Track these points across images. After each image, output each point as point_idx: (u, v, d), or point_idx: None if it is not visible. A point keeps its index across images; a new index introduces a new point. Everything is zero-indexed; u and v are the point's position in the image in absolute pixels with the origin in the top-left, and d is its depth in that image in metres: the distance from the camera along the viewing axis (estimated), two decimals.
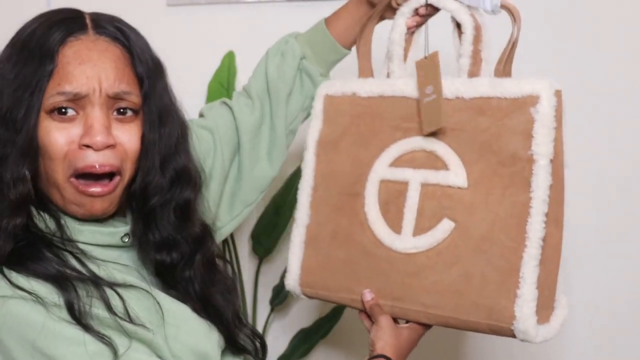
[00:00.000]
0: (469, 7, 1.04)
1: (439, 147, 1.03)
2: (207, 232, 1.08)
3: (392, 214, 1.06)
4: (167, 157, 1.01)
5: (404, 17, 1.11)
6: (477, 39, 1.03)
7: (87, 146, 0.93)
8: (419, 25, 1.14)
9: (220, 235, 1.22)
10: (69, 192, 0.95)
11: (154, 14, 1.75)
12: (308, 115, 1.26)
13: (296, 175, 1.67)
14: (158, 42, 1.71)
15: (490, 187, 0.99)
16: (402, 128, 1.07)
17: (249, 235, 1.73)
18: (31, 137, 0.92)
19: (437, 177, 1.03)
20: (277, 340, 1.74)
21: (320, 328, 1.72)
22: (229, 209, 1.24)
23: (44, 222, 0.96)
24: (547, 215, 0.96)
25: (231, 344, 1.06)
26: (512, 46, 1.02)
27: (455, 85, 1.03)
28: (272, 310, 1.74)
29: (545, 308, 1.00)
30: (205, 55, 1.74)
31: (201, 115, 1.27)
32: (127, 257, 1.02)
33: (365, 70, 1.18)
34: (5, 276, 0.91)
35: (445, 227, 1.02)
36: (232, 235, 1.70)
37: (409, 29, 1.12)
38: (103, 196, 0.95)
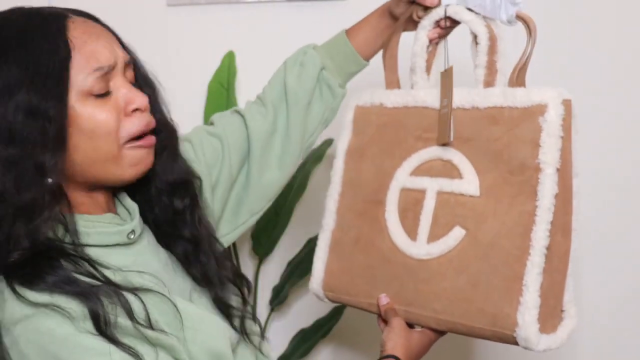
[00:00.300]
0: (485, 18, 1.06)
1: (454, 156, 1.06)
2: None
3: (410, 221, 1.09)
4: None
5: (425, 30, 1.13)
6: (492, 49, 1.05)
7: (138, 109, 0.96)
8: (441, 37, 1.15)
9: (225, 242, 1.22)
10: (128, 157, 0.96)
11: (154, 14, 1.74)
12: (325, 127, 1.27)
13: (296, 176, 1.67)
14: (158, 42, 1.71)
15: (500, 195, 1.01)
16: (423, 138, 1.10)
17: (249, 235, 1.74)
18: (64, 126, 0.91)
19: (452, 185, 1.05)
20: (277, 340, 1.74)
21: (320, 328, 1.72)
22: (234, 217, 1.23)
23: (52, 228, 0.93)
24: (552, 224, 0.97)
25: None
26: (526, 56, 1.03)
27: (471, 95, 1.05)
28: (272, 310, 1.74)
29: (551, 317, 1.00)
30: (205, 55, 1.73)
31: (211, 123, 1.26)
32: (132, 254, 1.00)
33: (392, 82, 1.20)
34: (21, 296, 0.88)
35: (456, 234, 1.04)
36: None
37: (431, 41, 1.14)
38: (153, 147, 1.00)
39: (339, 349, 1.78)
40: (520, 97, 1.01)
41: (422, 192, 1.08)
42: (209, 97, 1.70)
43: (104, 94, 0.94)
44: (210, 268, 1.07)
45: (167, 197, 1.07)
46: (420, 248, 1.07)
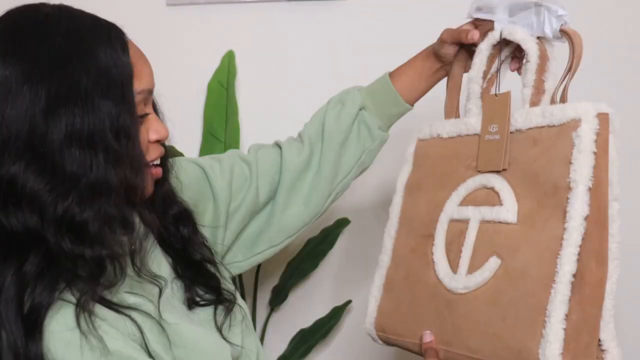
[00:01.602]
0: (539, 37, 1.01)
1: (497, 182, 1.00)
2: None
3: (454, 254, 1.03)
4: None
5: (481, 54, 1.08)
6: (541, 68, 1.00)
7: (158, 141, 0.97)
8: (515, 67, 1.09)
9: (237, 269, 1.20)
10: (145, 180, 0.94)
11: (153, 14, 1.71)
12: (362, 172, 1.24)
13: None
14: (157, 42, 1.71)
15: (534, 220, 0.94)
16: (472, 166, 1.05)
17: None
18: (139, 145, 0.91)
19: (492, 213, 0.99)
20: (277, 341, 1.74)
21: (320, 328, 1.71)
22: (251, 245, 1.20)
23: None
24: (583, 249, 0.89)
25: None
26: (567, 72, 0.97)
27: (515, 117, 1.00)
28: (271, 310, 1.71)
29: (584, 356, 0.89)
30: (205, 55, 1.73)
31: (248, 150, 1.25)
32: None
33: (450, 111, 1.16)
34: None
35: (492, 265, 0.97)
36: None
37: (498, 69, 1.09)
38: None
39: (338, 349, 1.77)
40: (556, 114, 0.94)
41: (466, 222, 1.02)
42: (208, 97, 1.68)
43: (142, 117, 0.94)
44: (213, 284, 1.06)
45: (173, 225, 1.06)
46: (459, 281, 1.00)
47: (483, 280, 0.97)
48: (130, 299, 0.92)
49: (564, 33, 0.98)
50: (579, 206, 0.89)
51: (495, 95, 1.05)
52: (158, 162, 1.00)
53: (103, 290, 0.88)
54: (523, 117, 0.99)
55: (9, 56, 0.86)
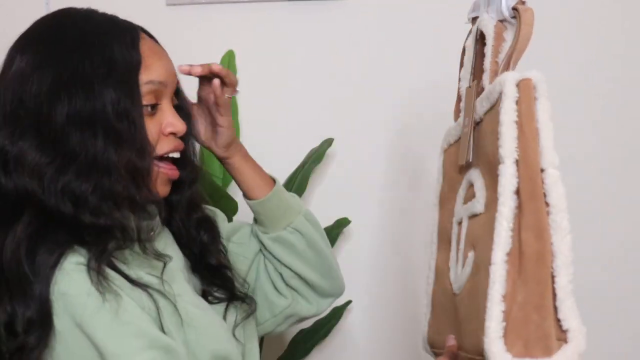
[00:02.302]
0: (502, 21, 0.96)
1: (474, 176, 0.96)
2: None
3: (458, 253, 0.99)
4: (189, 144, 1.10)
5: (468, 51, 1.04)
6: (495, 49, 0.95)
7: (172, 133, 1.01)
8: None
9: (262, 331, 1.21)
10: (154, 173, 0.99)
11: (153, 14, 1.70)
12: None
13: (295, 176, 1.67)
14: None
15: (490, 206, 0.89)
16: (466, 166, 1.00)
17: None
18: (145, 131, 0.96)
19: (472, 207, 0.95)
20: (277, 341, 1.74)
21: (320, 328, 1.70)
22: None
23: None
24: (518, 224, 0.83)
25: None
26: (511, 51, 0.92)
27: (476, 107, 0.95)
28: None
29: (538, 337, 0.81)
30: (205, 55, 1.73)
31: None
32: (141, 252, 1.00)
33: (456, 113, 1.10)
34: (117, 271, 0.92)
35: (470, 259, 0.93)
36: None
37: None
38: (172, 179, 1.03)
39: (339, 349, 1.77)
40: (492, 94, 0.89)
41: (461, 223, 0.99)
42: None
43: (153, 109, 0.99)
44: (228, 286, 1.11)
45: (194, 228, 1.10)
46: (457, 282, 0.97)
47: (466, 276, 0.94)
48: (146, 278, 0.95)
49: (515, 10, 0.93)
50: (505, 180, 0.84)
51: (469, 87, 1.02)
52: (176, 155, 1.03)
53: (113, 253, 0.93)
54: (479, 103, 0.95)
55: (26, 51, 0.97)
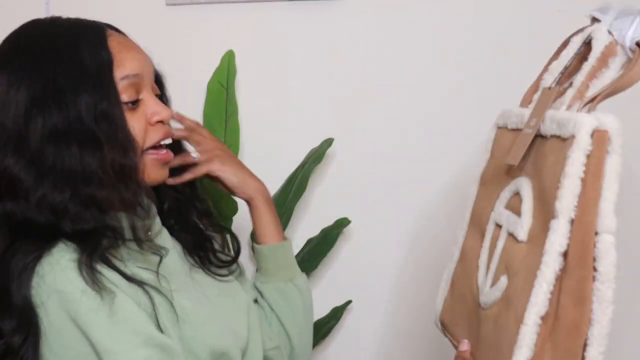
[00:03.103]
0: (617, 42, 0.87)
1: (525, 188, 0.89)
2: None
3: (489, 262, 0.95)
4: None
5: (571, 47, 0.96)
6: (593, 71, 0.86)
7: (161, 121, 1.02)
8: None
9: None
10: (147, 164, 1.01)
11: (152, 14, 1.69)
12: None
13: (295, 176, 1.67)
14: (157, 41, 1.71)
15: (535, 244, 0.84)
16: (520, 167, 0.94)
17: (248, 235, 1.73)
18: (127, 129, 0.97)
19: (514, 226, 0.89)
20: None
21: (320, 328, 1.70)
22: None
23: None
24: (561, 287, 0.79)
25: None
26: (615, 84, 0.83)
27: (546, 119, 0.88)
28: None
29: None
30: (204, 55, 1.72)
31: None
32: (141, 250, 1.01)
33: (525, 100, 1.03)
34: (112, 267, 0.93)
35: (502, 284, 0.89)
36: None
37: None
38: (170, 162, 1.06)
39: (339, 349, 1.77)
40: (564, 124, 0.82)
41: (500, 229, 0.94)
42: (208, 97, 1.66)
43: (134, 103, 0.99)
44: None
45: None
46: (483, 295, 0.93)
47: (494, 299, 0.90)
48: (143, 274, 0.96)
49: (638, 46, 0.84)
50: (555, 240, 0.78)
51: (549, 88, 0.94)
52: (168, 141, 1.05)
53: (106, 250, 0.94)
54: (549, 120, 0.87)
55: (0, 67, 0.97)
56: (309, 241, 1.68)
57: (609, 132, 0.78)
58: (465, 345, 0.97)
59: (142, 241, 0.97)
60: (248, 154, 1.73)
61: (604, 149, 0.78)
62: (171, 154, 1.05)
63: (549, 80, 0.97)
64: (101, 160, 0.94)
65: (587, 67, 0.87)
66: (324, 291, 1.75)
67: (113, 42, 0.99)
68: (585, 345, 0.78)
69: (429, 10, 1.67)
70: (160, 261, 0.98)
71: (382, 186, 1.72)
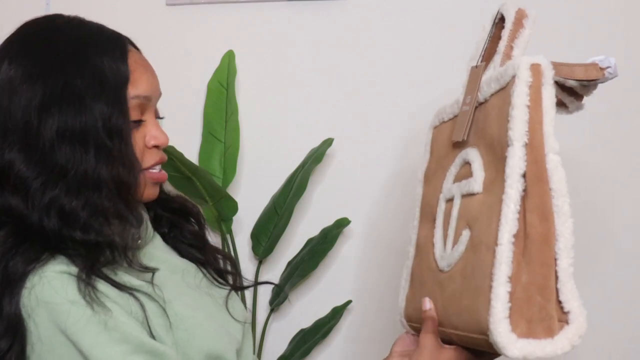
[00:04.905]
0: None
1: (472, 155, 0.96)
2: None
3: (446, 231, 1.00)
4: None
5: (486, 34, 1.04)
6: (513, 34, 0.96)
7: (156, 146, 1.01)
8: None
9: None
10: (144, 183, 1.00)
11: (153, 14, 1.70)
12: None
13: (295, 176, 1.67)
14: (157, 41, 1.71)
15: (492, 186, 0.90)
16: (459, 144, 1.02)
17: (248, 235, 1.74)
18: (131, 144, 0.97)
19: (467, 185, 0.96)
20: (277, 341, 1.73)
21: (320, 328, 1.69)
22: None
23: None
24: (524, 207, 0.84)
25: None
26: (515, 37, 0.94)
27: (482, 86, 0.96)
28: (271, 310, 1.68)
29: (541, 318, 0.83)
30: (204, 55, 1.72)
31: None
32: (146, 259, 1.01)
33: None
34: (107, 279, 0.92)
35: (464, 237, 0.94)
36: (232, 235, 1.69)
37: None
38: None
39: (338, 349, 1.77)
40: (503, 75, 0.90)
41: (452, 200, 1.00)
42: (208, 97, 1.67)
43: (138, 122, 0.98)
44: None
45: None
46: (445, 259, 0.97)
47: (459, 254, 0.94)
48: (134, 282, 0.95)
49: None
50: (514, 163, 0.85)
51: (476, 66, 1.01)
52: (159, 167, 1.03)
53: (102, 267, 0.92)
54: (486, 84, 0.95)
55: (15, 58, 0.95)
56: (309, 241, 1.68)
57: (542, 65, 0.87)
58: (428, 304, 0.98)
59: (132, 259, 0.96)
60: (248, 154, 1.74)
61: (540, 80, 0.86)
62: (166, 175, 1.05)
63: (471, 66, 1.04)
64: (111, 172, 0.93)
65: (506, 33, 0.96)
66: (324, 291, 1.75)
67: (132, 59, 0.99)
68: (555, 259, 0.84)
69: (428, 9, 1.68)
70: (153, 276, 0.98)
71: (382, 186, 1.72)
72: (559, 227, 0.84)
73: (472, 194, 0.94)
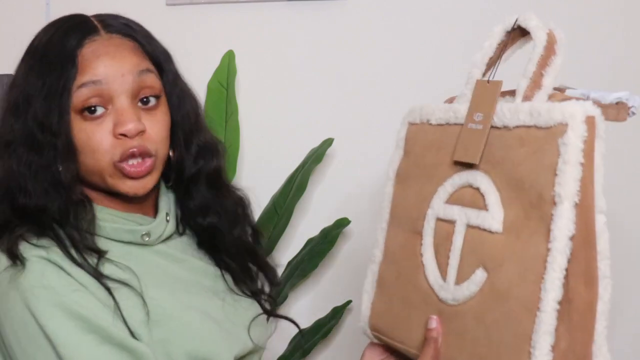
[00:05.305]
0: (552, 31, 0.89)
1: (483, 182, 0.90)
2: (241, 205, 1.14)
3: (442, 258, 0.93)
4: (190, 134, 1.06)
5: (492, 39, 0.97)
6: (543, 60, 0.88)
7: (123, 135, 0.95)
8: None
9: None
10: (114, 177, 0.97)
11: (153, 14, 1.69)
12: None
13: (295, 176, 1.67)
14: None
15: (519, 232, 0.84)
16: (459, 161, 0.94)
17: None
18: (70, 139, 0.95)
19: (478, 218, 0.89)
20: (277, 341, 1.74)
21: (320, 328, 1.69)
22: None
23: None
24: (569, 271, 0.79)
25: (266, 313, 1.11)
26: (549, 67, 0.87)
27: (503, 110, 0.89)
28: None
29: None
30: (204, 55, 1.72)
31: None
32: (145, 254, 1.01)
33: (452, 97, 1.03)
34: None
35: (478, 278, 0.87)
36: None
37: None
38: (144, 177, 0.98)
39: (338, 349, 1.77)
40: (543, 115, 0.83)
41: (452, 224, 0.93)
42: (208, 97, 1.65)
43: (95, 112, 0.95)
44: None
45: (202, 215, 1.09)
46: (448, 291, 0.91)
47: (470, 294, 0.89)
48: (121, 274, 0.96)
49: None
50: (564, 225, 0.79)
51: (488, 81, 0.94)
52: (138, 160, 0.98)
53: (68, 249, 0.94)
54: (511, 112, 0.88)
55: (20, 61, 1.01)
56: (309, 241, 1.68)
57: (596, 118, 0.80)
58: (434, 322, 0.92)
59: (79, 246, 0.96)
60: (248, 154, 1.74)
61: (594, 134, 0.80)
62: (143, 169, 0.98)
63: (473, 72, 0.97)
64: (41, 166, 0.96)
65: (535, 57, 0.89)
66: (324, 291, 1.75)
67: (88, 50, 0.97)
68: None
69: (428, 9, 1.68)
70: (99, 260, 0.97)
71: (382, 186, 1.72)
72: (600, 291, 0.80)
73: (485, 230, 0.88)
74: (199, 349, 0.97)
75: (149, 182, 0.99)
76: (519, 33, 0.94)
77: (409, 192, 1.02)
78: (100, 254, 0.95)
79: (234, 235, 1.11)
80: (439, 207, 0.95)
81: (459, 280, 0.90)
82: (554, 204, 0.79)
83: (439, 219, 0.95)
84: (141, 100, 0.99)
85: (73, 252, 0.94)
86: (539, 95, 0.88)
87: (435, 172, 0.98)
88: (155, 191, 1.05)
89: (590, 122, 0.80)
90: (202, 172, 1.08)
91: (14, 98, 0.98)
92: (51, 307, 0.89)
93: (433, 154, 0.99)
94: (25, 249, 0.92)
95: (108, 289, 0.93)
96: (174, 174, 1.07)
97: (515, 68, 0.89)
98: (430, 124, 1.01)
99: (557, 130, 0.81)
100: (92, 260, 0.95)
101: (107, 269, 0.95)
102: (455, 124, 0.96)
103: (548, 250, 0.79)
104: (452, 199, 0.94)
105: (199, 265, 1.07)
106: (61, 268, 0.92)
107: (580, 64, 1.70)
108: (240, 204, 1.14)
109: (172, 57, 1.12)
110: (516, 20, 0.94)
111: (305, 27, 1.71)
